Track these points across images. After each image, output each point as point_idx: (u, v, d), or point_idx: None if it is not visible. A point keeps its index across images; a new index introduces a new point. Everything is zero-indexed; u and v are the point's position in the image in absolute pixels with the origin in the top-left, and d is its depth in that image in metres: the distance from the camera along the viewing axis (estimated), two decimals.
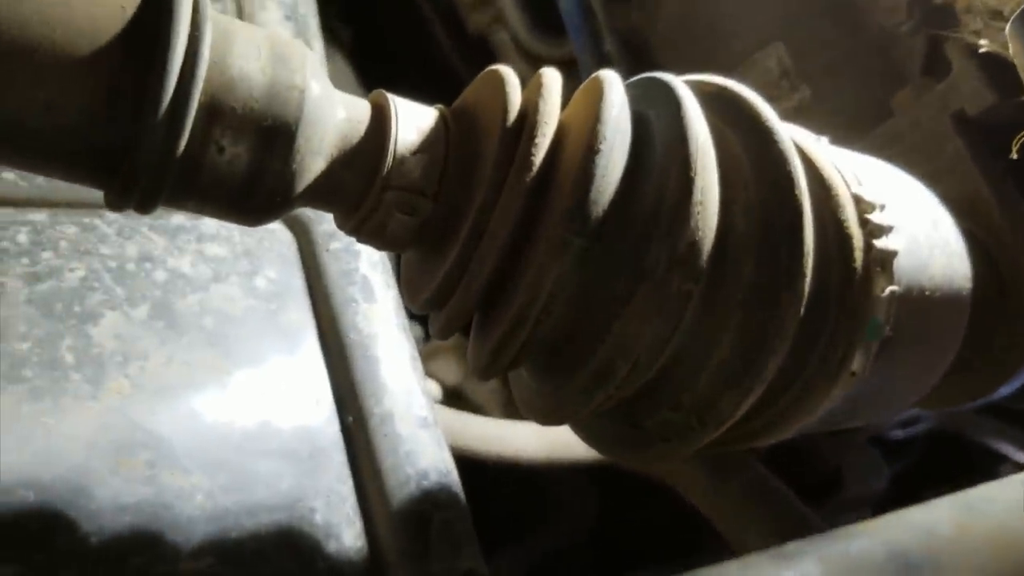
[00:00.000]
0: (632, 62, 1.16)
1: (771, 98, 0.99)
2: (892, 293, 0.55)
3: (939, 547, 0.27)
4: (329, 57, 1.35)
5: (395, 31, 1.56)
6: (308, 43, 0.89)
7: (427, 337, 1.22)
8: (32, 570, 0.52)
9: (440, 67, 1.54)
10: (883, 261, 0.55)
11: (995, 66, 0.78)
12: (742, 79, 0.97)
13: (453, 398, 1.10)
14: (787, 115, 0.98)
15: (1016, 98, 0.69)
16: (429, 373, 1.09)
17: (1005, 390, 0.82)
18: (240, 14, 0.84)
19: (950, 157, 0.82)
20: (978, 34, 0.73)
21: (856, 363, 0.55)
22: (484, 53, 1.46)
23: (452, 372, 1.14)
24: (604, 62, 1.16)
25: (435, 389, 1.06)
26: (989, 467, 1.57)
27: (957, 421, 1.35)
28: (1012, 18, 0.58)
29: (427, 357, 1.17)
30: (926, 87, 0.86)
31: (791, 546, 0.26)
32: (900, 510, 0.28)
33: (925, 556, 0.26)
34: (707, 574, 0.26)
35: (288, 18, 0.88)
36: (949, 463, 1.61)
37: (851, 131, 0.93)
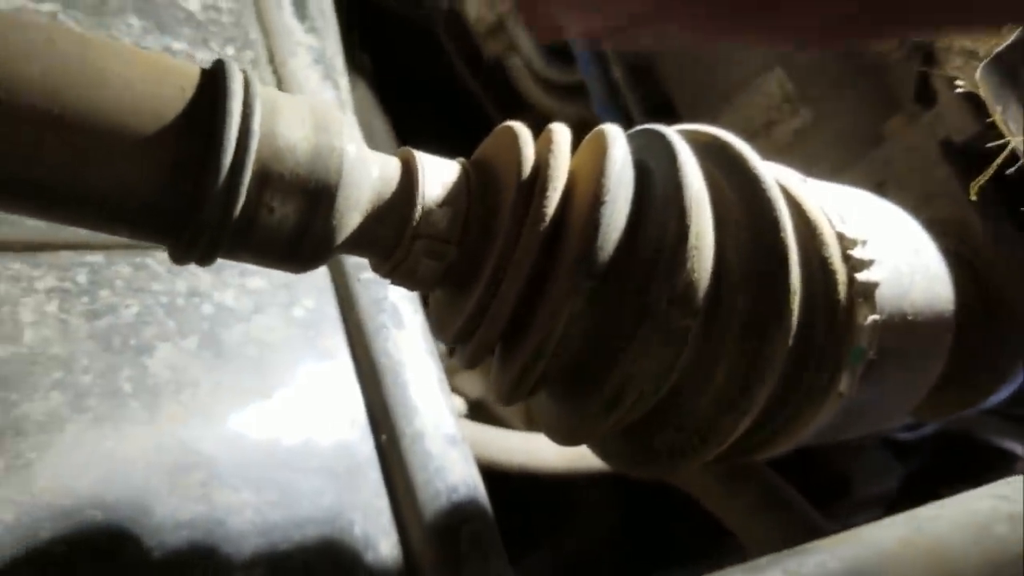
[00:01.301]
0: (639, 87, 1.21)
1: (773, 121, 1.05)
2: (875, 322, 0.60)
3: (886, 560, 0.32)
4: (353, 85, 1.39)
5: (414, 59, 1.61)
6: (335, 82, 0.94)
7: (451, 353, 1.26)
8: None
9: (458, 91, 1.59)
10: (865, 292, 0.60)
11: (977, 97, 0.82)
12: (746, 102, 1.01)
13: (477, 411, 1.15)
14: (788, 137, 1.04)
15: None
16: (453, 388, 1.13)
17: (995, 399, 0.87)
18: (272, 60, 0.89)
19: (939, 182, 0.86)
20: (960, 70, 0.77)
21: (843, 384, 0.60)
22: (500, 77, 1.50)
23: (475, 386, 1.19)
24: (612, 87, 1.21)
25: (459, 403, 1.10)
26: (1000, 464, 1.60)
27: (962, 422, 1.38)
28: (981, 65, 0.63)
29: (451, 372, 1.22)
30: (917, 115, 0.91)
31: (763, 560, 0.31)
32: (855, 528, 0.33)
33: (875, 568, 0.32)
34: None
35: (317, 62, 0.93)
36: (960, 461, 1.64)
37: (849, 153, 0.97)
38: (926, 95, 0.91)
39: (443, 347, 1.22)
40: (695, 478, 0.97)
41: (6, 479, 0.57)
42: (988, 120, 0.71)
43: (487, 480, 0.75)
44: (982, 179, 0.65)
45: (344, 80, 0.97)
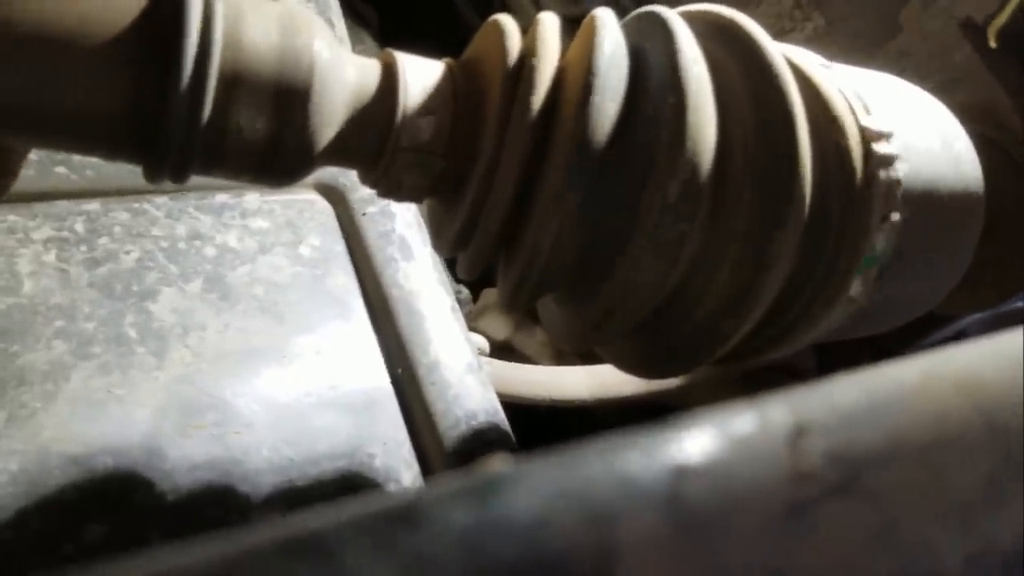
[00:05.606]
0: None
1: (786, 30, 1.01)
2: (894, 224, 0.56)
3: (907, 394, 0.29)
4: (358, 38, 1.37)
5: (420, 7, 1.59)
6: (329, 21, 0.92)
7: (475, 299, 1.25)
8: (119, 527, 0.55)
9: (466, 38, 1.55)
10: (887, 192, 0.55)
11: None
12: (756, 14, 0.98)
13: (504, 352, 1.13)
14: (803, 44, 0.99)
15: None
16: (478, 330, 1.12)
17: None
18: None
19: (961, 65, 0.82)
20: None
21: (853, 290, 0.56)
22: None
23: (500, 328, 1.17)
24: (622, 14, 1.17)
25: (484, 345, 1.08)
26: None
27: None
28: None
29: (476, 316, 1.20)
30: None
31: (770, 396, 0.28)
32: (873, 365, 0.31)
33: (893, 402, 0.29)
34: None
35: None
36: None
37: (865, 52, 0.94)
38: None
39: (467, 293, 1.21)
40: (710, 394, 0.95)
41: (10, 429, 0.56)
42: None
43: (514, 416, 0.74)
44: (1001, 19, 0.61)
45: (340, 23, 0.95)
